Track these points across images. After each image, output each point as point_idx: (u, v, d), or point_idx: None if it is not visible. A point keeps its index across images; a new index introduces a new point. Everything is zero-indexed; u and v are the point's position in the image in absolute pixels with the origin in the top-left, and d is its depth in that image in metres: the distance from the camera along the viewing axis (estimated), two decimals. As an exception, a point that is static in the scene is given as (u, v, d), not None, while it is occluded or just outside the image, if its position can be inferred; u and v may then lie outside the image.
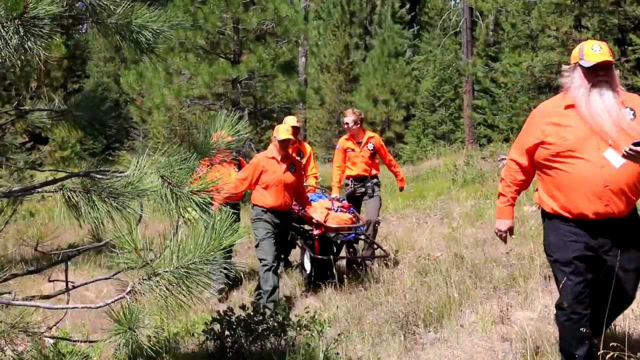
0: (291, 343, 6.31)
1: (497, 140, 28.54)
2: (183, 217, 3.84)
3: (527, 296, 6.89)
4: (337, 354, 5.81)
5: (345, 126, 10.05)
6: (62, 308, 4.09)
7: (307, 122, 32.09)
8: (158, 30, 4.09)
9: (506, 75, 22.59)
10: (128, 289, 3.53)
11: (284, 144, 8.22)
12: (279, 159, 8.24)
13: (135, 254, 3.50)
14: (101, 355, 6.03)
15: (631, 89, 18.04)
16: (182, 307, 3.65)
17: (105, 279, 4.33)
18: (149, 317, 3.61)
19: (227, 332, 6.14)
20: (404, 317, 6.78)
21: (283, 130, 8.27)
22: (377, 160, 10.24)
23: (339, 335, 6.16)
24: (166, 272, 3.48)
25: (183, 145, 4.11)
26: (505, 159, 23.67)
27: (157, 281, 3.47)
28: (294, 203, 8.81)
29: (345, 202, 9.78)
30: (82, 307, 4.04)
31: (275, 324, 6.30)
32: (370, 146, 9.99)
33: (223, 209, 4.32)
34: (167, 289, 3.47)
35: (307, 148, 10.84)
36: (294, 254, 10.67)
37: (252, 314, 6.27)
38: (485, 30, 32.76)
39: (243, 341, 6.10)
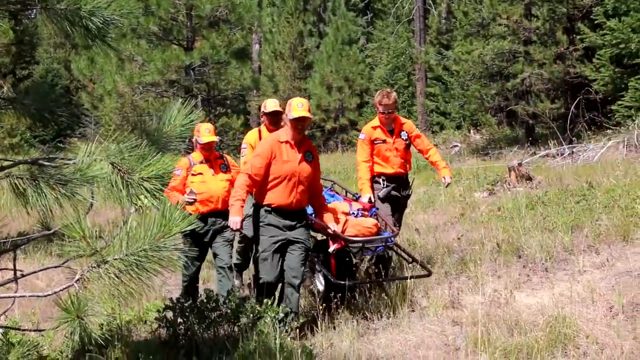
0: (245, 330, 6.32)
1: (449, 128, 28.83)
2: (135, 204, 3.82)
3: (477, 281, 7.00)
4: (292, 339, 5.84)
5: (383, 113, 7.95)
6: (10, 297, 4.05)
7: (260, 110, 31.94)
8: (108, 18, 4.05)
9: (458, 63, 22.82)
10: (77, 277, 3.51)
11: (299, 124, 6.39)
12: (293, 144, 6.46)
13: (84, 242, 3.47)
14: (52, 344, 5.97)
15: (579, 77, 18.35)
16: (132, 295, 3.64)
17: (55, 267, 4.29)
18: (99, 304, 3.59)
19: (179, 320, 6.12)
20: (358, 303, 6.87)
21: (297, 106, 6.37)
22: (411, 153, 8.42)
23: (292, 321, 6.19)
24: (115, 259, 3.46)
25: (135, 133, 4.08)
26: (457, 145, 23.95)
27: (106, 269, 3.45)
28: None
29: (366, 201, 7.68)
30: (30, 296, 4.02)
31: (229, 311, 6.30)
32: (404, 135, 8.09)
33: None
34: (117, 277, 3.45)
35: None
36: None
37: (205, 301, 6.26)
38: (438, 19, 32.88)
39: (196, 328, 6.09)
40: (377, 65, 37.95)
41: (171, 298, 6.40)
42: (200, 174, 7.52)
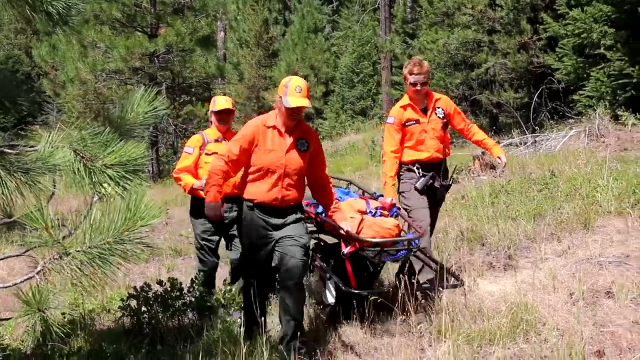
0: (209, 318, 6.31)
1: (414, 117, 28.87)
2: (99, 192, 3.78)
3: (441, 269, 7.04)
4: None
5: (414, 86, 6.74)
6: (-30, 286, 3.99)
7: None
8: (70, 3, 3.99)
9: (423, 52, 22.85)
10: (38, 268, 3.46)
11: (296, 113, 5.40)
12: (282, 131, 5.45)
13: (46, 232, 3.43)
14: (13, 334, 5.91)
15: (542, 66, 18.52)
16: (95, 287, 3.60)
17: (16, 256, 4.24)
18: (62, 294, 3.55)
19: (143, 308, 6.09)
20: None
21: (294, 90, 5.31)
22: (449, 134, 7.23)
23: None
24: (78, 251, 3.42)
25: (98, 120, 4.04)
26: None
27: (69, 261, 3.41)
28: (309, 201, 6.29)
29: (386, 199, 6.61)
30: (-11, 285, 3.95)
31: (193, 300, 6.29)
32: (439, 112, 6.89)
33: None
34: (79, 269, 3.41)
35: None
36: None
37: (169, 289, 6.24)
38: (403, 8, 32.99)
39: (160, 317, 6.07)
40: (342, 53, 37.93)
41: (135, 287, 6.36)
42: (215, 153, 6.37)
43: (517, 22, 19.73)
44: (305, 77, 33.13)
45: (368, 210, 6.26)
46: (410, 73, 6.75)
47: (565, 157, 11.69)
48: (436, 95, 7.02)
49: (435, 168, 6.79)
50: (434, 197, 6.81)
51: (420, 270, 6.47)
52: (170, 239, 10.68)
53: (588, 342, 4.94)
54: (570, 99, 17.53)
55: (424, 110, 6.82)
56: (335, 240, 6.29)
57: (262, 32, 34.15)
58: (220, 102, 7.00)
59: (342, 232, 5.68)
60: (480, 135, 7.13)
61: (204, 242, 6.89)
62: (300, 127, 5.53)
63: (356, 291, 5.75)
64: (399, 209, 6.58)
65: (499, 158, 6.96)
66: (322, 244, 6.67)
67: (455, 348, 4.86)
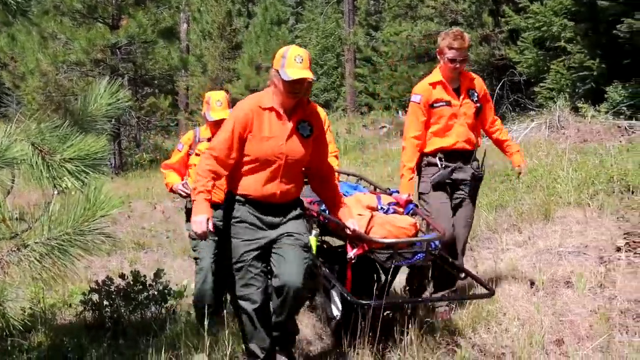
0: (172, 311, 6.29)
1: (377, 109, 29.01)
2: (59, 186, 3.74)
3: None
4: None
5: (453, 63, 5.65)
6: None
7: (189, 90, 31.61)
8: (29, -7, 3.94)
9: (387, 45, 22.97)
10: (-4, 261, 3.42)
11: (296, 87, 4.39)
12: (281, 112, 4.47)
13: (4, 225, 3.39)
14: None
15: (504, 59, 18.69)
16: (55, 280, 3.57)
17: (-26, 249, 4.18)
18: (21, 288, 3.51)
19: (105, 302, 6.06)
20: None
21: (294, 60, 4.35)
22: (480, 122, 6.00)
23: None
24: (37, 243, 3.39)
25: (58, 113, 3.99)
26: (385, 127, 24.16)
27: (27, 253, 3.37)
28: (311, 197, 5.38)
29: (401, 195, 5.60)
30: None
31: (156, 293, 6.26)
32: (473, 96, 5.81)
33: None
34: (39, 261, 3.38)
35: (322, 114, 5.50)
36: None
37: (131, 283, 6.20)
38: (367, 0, 33.04)
39: (122, 311, 6.04)
40: (306, 45, 37.87)
41: (96, 280, 6.32)
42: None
43: (479, 15, 19.89)
44: (269, 70, 33.07)
45: (379, 207, 5.31)
46: (450, 47, 5.63)
47: (526, 149, 11.82)
48: (471, 74, 5.96)
49: (461, 159, 5.78)
50: (454, 191, 5.81)
51: (435, 281, 5.68)
52: (132, 232, 10.60)
53: (548, 331, 5.02)
54: (532, 91, 17.73)
55: (457, 91, 5.75)
56: (341, 243, 5.39)
57: (226, 24, 33.92)
58: (215, 107, 6.00)
59: (347, 231, 4.73)
60: (504, 134, 6.15)
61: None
62: (301, 107, 4.54)
63: (362, 302, 4.68)
64: (416, 205, 5.56)
65: (519, 167, 6.06)
66: (325, 247, 5.79)
67: (417, 339, 4.85)
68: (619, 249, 6.74)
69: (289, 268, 4.40)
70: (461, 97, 5.73)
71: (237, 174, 4.50)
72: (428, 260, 5.02)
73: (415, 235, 5.08)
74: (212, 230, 4.35)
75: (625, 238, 7.08)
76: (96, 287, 6.15)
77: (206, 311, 4.92)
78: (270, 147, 4.40)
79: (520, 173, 6.17)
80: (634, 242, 6.92)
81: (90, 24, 20.39)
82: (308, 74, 4.32)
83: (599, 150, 10.97)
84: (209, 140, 5.84)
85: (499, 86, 18.40)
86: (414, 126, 5.76)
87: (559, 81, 15.96)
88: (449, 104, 5.69)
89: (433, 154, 5.77)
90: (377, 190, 5.89)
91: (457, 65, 5.64)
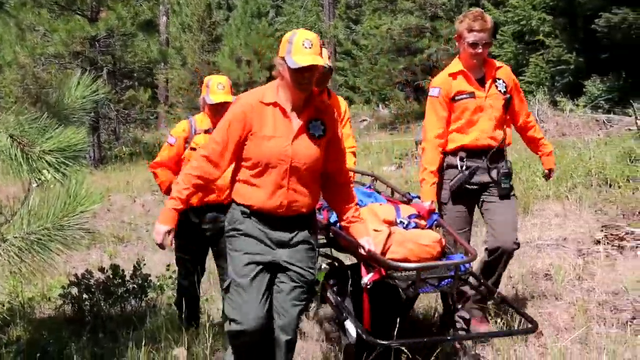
0: (152, 304, 6.28)
1: (358, 102, 29.06)
2: (39, 179, 3.72)
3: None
4: (201, 312, 5.82)
5: (474, 47, 4.89)
6: None
7: (168, 83, 31.49)
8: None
9: (367, 38, 23.00)
10: (-26, 256, 3.40)
11: (305, 77, 3.70)
12: (288, 110, 3.83)
13: (-18, 219, 3.37)
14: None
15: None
16: (34, 274, 3.55)
17: (-49, 243, 4.14)
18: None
19: (85, 296, 6.02)
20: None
21: (301, 45, 3.66)
22: (510, 117, 5.20)
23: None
24: (16, 237, 3.36)
25: (36, 105, 3.96)
26: (366, 120, 24.17)
27: (6, 248, 3.35)
28: (322, 204, 4.75)
29: (423, 202, 4.84)
30: None
31: (136, 286, 6.23)
32: (501, 85, 5.04)
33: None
34: (17, 256, 3.35)
35: (342, 104, 5.75)
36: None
37: (111, 276, 6.17)
38: (347, -7, 33.06)
39: (102, 304, 6.01)
40: (286, 39, 37.87)
41: (76, 274, 6.28)
42: None
43: (459, 9, 19.99)
44: (249, 63, 33.04)
45: (398, 220, 4.52)
46: (470, 29, 4.89)
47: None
48: (498, 62, 5.23)
49: (487, 159, 4.96)
50: (472, 203, 5.07)
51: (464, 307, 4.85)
52: (112, 225, 10.54)
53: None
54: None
55: (481, 82, 5.02)
56: (355, 260, 4.68)
57: (205, 17, 33.78)
58: (216, 89, 5.31)
59: (362, 251, 4.03)
60: (538, 132, 5.39)
61: (179, 254, 5.57)
62: (312, 103, 3.87)
63: (381, 342, 3.95)
64: (440, 215, 4.85)
65: (549, 171, 5.43)
66: (336, 264, 5.00)
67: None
68: (597, 242, 6.81)
69: (283, 320, 3.89)
70: (486, 87, 4.97)
71: (240, 181, 3.88)
72: (456, 286, 4.26)
73: (442, 254, 4.33)
74: (170, 245, 3.87)
75: (603, 231, 7.15)
76: (75, 280, 6.11)
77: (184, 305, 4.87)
78: (272, 149, 3.74)
79: (548, 176, 5.51)
80: (612, 234, 7.00)
81: (69, 16, 20.22)
82: (319, 60, 3.65)
83: (577, 144, 11.07)
84: (207, 132, 5.22)
85: (478, 80, 18.53)
86: (434, 124, 4.99)
87: (538, 75, 16.09)
88: (472, 95, 4.94)
89: (453, 153, 4.99)
90: (395, 194, 5.14)
91: (480, 50, 4.88)
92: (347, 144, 4.52)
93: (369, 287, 4.16)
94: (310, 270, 3.96)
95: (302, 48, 3.64)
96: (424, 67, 21.36)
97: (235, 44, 32.75)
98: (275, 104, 3.79)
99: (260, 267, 3.82)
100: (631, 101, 13.39)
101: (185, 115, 28.16)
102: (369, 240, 4.01)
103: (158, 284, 6.51)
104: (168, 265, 6.81)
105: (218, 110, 5.13)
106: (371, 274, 4.15)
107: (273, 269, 3.88)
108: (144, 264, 6.58)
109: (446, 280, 4.18)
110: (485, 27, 4.86)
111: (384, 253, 4.14)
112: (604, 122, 13.67)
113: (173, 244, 3.86)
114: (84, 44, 20.28)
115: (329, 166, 3.96)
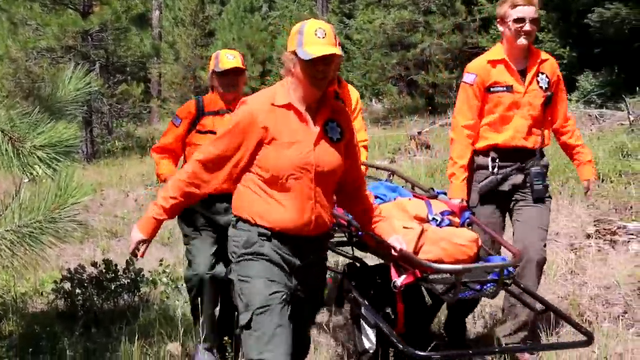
0: (145, 299, 6.27)
1: (351, 97, 29.00)
2: (30, 174, 3.70)
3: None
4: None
5: (520, 26, 4.45)
6: None
7: (161, 77, 31.43)
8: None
9: (360, 33, 22.98)
10: (-35, 249, 3.39)
11: (320, 71, 3.21)
12: (302, 110, 3.31)
13: (-26, 212, 3.36)
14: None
15: (476, 47, 18.78)
16: (27, 268, 3.55)
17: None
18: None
19: (77, 290, 6.01)
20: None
21: (313, 34, 3.21)
22: (549, 116, 4.72)
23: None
24: (7, 231, 3.36)
25: (28, 100, 3.95)
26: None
27: (-2, 241, 3.35)
28: (338, 210, 4.07)
29: (451, 199, 4.50)
30: None
31: (128, 281, 6.23)
32: (543, 81, 4.59)
33: None
34: (9, 249, 3.35)
35: (354, 94, 5.53)
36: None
37: (103, 271, 6.16)
38: (341, -13, 33.03)
39: (95, 299, 6.01)
40: (279, 33, 37.79)
41: (69, 269, 6.27)
42: (212, 132, 4.61)
43: (452, 3, 19.97)
44: (242, 57, 33.01)
45: (430, 217, 4.12)
46: (514, 4, 4.46)
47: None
48: (543, 54, 4.70)
49: (520, 160, 4.57)
50: (507, 204, 4.66)
51: (509, 320, 4.53)
52: (105, 220, 10.52)
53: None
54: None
55: (522, 74, 4.56)
56: (380, 260, 4.37)
57: (198, 11, 33.72)
58: (226, 58, 4.74)
59: (394, 252, 3.59)
60: (577, 138, 4.86)
61: (193, 236, 4.81)
62: (326, 102, 3.39)
63: (420, 354, 3.47)
64: (472, 213, 4.45)
65: (587, 182, 4.86)
66: (357, 264, 4.61)
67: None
68: (589, 236, 6.83)
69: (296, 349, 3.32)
70: (527, 81, 4.54)
71: (251, 199, 3.29)
72: (499, 291, 3.84)
73: (477, 255, 3.95)
74: (142, 256, 3.41)
75: (595, 225, 7.18)
76: (68, 275, 6.10)
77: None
78: (293, 157, 3.21)
79: (587, 191, 4.92)
80: (604, 229, 7.02)
81: (61, 10, 20.16)
82: (335, 50, 3.18)
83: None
84: (217, 114, 4.73)
85: (471, 74, 18.54)
86: (465, 113, 4.60)
87: (530, 70, 16.11)
88: (510, 89, 4.52)
89: (484, 152, 4.60)
90: (416, 190, 4.72)
91: (527, 28, 4.42)
92: (358, 137, 3.93)
93: (400, 290, 3.78)
94: (322, 298, 3.59)
95: (315, 38, 3.19)
96: (417, 61, 21.35)
97: (228, 39, 32.70)
98: (289, 106, 3.27)
99: (281, 301, 3.21)
100: (623, 96, 13.43)
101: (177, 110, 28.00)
102: (399, 239, 3.59)
103: (151, 278, 6.49)
104: (161, 260, 6.81)
105: (229, 81, 4.71)
106: (404, 276, 3.73)
107: (293, 300, 3.32)
108: (137, 259, 6.56)
109: (488, 285, 3.77)
110: (531, 1, 4.44)
111: (415, 253, 3.76)
112: (596, 116, 13.69)
113: (144, 255, 3.36)
114: (76, 38, 20.22)
115: (346, 172, 3.46)
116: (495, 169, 4.54)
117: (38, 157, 3.54)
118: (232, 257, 3.36)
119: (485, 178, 4.57)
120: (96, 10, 20.06)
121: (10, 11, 19.36)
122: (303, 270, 3.33)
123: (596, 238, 6.72)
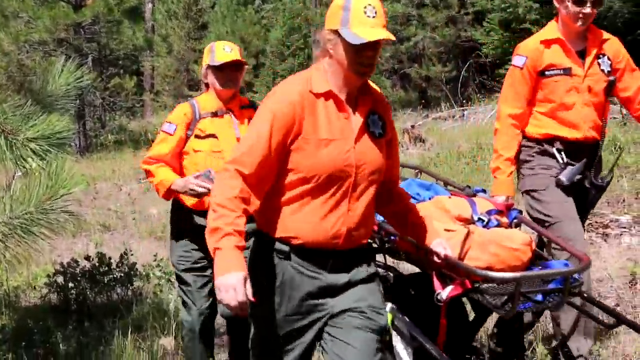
0: (138, 293, 6.27)
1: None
2: (23, 167, 3.69)
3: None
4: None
5: (576, 5, 3.95)
6: None
7: (154, 70, 31.35)
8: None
9: (353, 26, 22.95)
10: (-44, 242, 3.38)
11: (368, 57, 2.66)
12: (343, 100, 2.75)
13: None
14: None
15: (470, 40, 18.80)
16: (19, 260, 3.54)
17: None
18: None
19: (71, 284, 6.01)
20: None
21: (362, 12, 2.62)
22: (609, 102, 4.33)
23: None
24: (-1, 223, 3.35)
25: (20, 93, 3.93)
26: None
27: (-12, 233, 3.33)
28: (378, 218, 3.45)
29: (497, 197, 4.05)
30: None
31: (122, 275, 6.22)
32: (605, 64, 4.12)
33: None
34: (1, 242, 3.34)
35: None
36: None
37: (97, 264, 6.16)
38: (334, -20, 33.00)
39: (88, 293, 6.00)
40: (272, 26, 37.73)
41: (62, 262, 6.26)
42: (212, 136, 4.10)
43: (445, -4, 19.99)
44: (240, 50, 32.95)
45: (476, 217, 3.56)
46: None
47: (492, 131, 11.93)
48: (605, 34, 4.22)
49: (586, 154, 4.07)
50: (582, 203, 4.15)
51: (572, 333, 3.96)
52: (98, 213, 10.50)
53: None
54: (498, 73, 17.87)
55: (581, 55, 4.08)
56: (416, 270, 3.77)
57: (191, 4, 33.64)
58: (223, 50, 4.12)
59: (436, 259, 3.05)
60: None
61: (183, 271, 4.17)
62: (367, 91, 2.85)
63: None
64: (519, 212, 3.83)
65: None
66: (390, 275, 3.95)
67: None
68: (582, 229, 6.83)
69: None
70: (586, 64, 4.04)
71: (272, 204, 2.72)
72: (563, 303, 3.31)
73: (533, 260, 3.37)
74: (253, 300, 2.50)
75: (588, 218, 7.17)
76: (61, 269, 6.09)
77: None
78: (334, 157, 2.66)
79: None
80: (597, 222, 7.03)
81: (53, 3, 20.09)
82: (388, 34, 2.63)
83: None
84: (215, 115, 4.15)
85: (465, 68, 18.56)
86: (511, 100, 4.13)
87: (525, 63, 16.11)
88: (568, 72, 4.01)
89: (547, 140, 4.10)
90: (449, 187, 4.10)
91: (588, 10, 3.93)
92: None
93: (446, 303, 3.17)
94: (380, 310, 2.81)
95: (364, 17, 2.61)
96: (411, 54, 21.37)
97: (221, 31, 32.63)
98: (329, 94, 2.72)
99: (305, 335, 2.75)
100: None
101: (171, 103, 28.12)
102: (443, 244, 3.04)
103: (144, 272, 6.49)
104: (155, 255, 6.81)
105: (227, 76, 4.11)
106: (451, 287, 3.15)
107: (322, 327, 2.77)
108: (131, 253, 6.57)
109: (551, 296, 3.23)
110: None
111: (460, 259, 3.21)
112: (589, 110, 13.73)
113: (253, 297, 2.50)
114: (68, 31, 20.16)
115: (387, 174, 2.93)
116: (565, 162, 4.03)
117: (31, 149, 3.52)
118: (259, 275, 2.78)
119: (551, 169, 4.07)
120: (88, 2, 20.00)
121: (1, 4, 19.28)
122: (351, 289, 2.79)
123: (588, 231, 6.73)
